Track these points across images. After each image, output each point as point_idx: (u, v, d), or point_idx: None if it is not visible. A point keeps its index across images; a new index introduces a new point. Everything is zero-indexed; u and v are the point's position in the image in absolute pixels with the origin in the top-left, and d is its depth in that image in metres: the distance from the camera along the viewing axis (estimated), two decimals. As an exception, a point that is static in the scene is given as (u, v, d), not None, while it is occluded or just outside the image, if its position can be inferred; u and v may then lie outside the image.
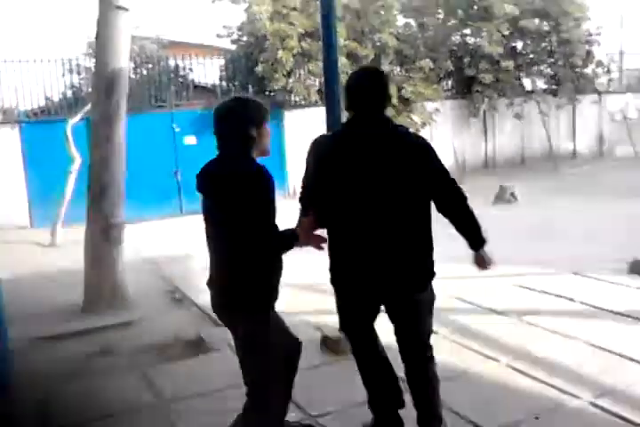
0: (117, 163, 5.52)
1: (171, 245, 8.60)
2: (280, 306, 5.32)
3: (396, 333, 2.93)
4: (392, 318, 2.91)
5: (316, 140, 2.95)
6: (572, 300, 4.84)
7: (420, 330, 2.92)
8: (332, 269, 2.95)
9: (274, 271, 2.72)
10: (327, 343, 4.19)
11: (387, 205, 2.67)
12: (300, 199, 3.09)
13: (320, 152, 2.88)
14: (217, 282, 2.71)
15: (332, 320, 4.28)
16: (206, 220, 2.76)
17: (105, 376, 4.09)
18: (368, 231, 2.71)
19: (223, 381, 3.79)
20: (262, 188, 2.56)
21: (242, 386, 3.72)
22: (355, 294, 2.93)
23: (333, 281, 2.97)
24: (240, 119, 2.64)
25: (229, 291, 2.66)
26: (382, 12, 13.20)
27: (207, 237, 2.74)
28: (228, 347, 4.39)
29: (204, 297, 5.82)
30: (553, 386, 3.41)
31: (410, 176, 2.66)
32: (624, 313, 4.41)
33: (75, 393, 3.88)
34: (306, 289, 5.80)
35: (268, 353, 2.72)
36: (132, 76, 11.55)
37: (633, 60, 18.15)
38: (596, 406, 3.19)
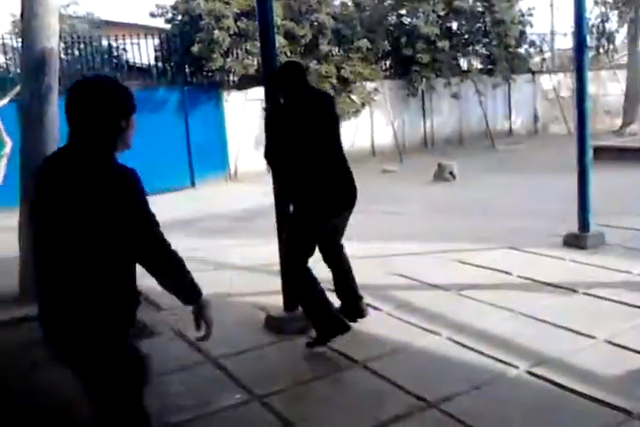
0: (50, 145, 5.35)
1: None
2: (224, 288, 5.33)
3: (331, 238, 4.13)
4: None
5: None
6: (509, 273, 4.97)
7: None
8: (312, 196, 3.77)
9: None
10: (271, 323, 4.19)
11: None
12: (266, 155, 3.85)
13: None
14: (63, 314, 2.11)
15: (276, 301, 4.31)
16: (43, 237, 2.12)
17: (42, 366, 3.99)
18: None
19: (166, 365, 3.76)
20: (137, 190, 2.08)
21: (185, 369, 3.72)
22: (328, 207, 3.83)
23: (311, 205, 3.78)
24: (110, 105, 2.12)
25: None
26: (319, -8, 13.12)
27: (44, 259, 2.13)
28: (170, 331, 4.35)
29: (145, 280, 5.76)
30: (492, 357, 3.50)
31: None
32: (559, 284, 4.56)
33: (10, 383, 3.78)
34: (249, 271, 5.79)
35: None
36: (64, 56, 11.18)
37: (564, 41, 18.62)
38: (533, 374, 3.30)
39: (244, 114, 12.89)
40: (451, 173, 10.88)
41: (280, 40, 12.20)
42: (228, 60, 12.09)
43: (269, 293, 4.63)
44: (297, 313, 4.17)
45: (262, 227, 7.15)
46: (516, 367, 3.38)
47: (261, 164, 13.53)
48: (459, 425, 2.87)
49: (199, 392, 3.43)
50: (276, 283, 4.30)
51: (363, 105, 13.98)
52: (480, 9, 14.99)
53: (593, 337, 3.67)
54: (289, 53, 12.87)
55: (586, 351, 3.52)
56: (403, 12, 14.84)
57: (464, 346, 3.67)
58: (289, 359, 3.75)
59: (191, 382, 3.55)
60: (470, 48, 15.61)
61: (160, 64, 12.59)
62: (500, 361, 3.46)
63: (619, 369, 3.27)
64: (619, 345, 3.55)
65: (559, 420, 2.91)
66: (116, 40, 12.21)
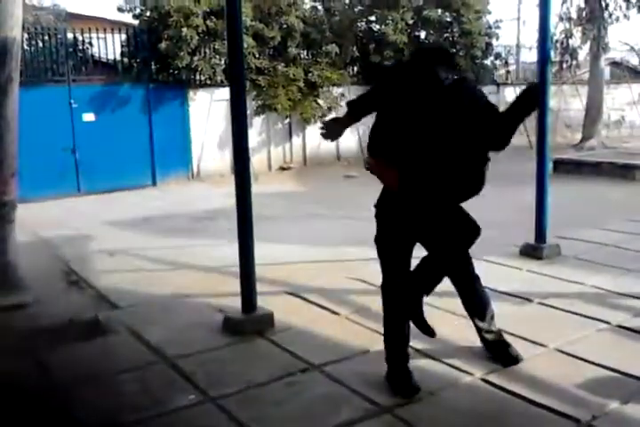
0: (9, 139, 5.23)
1: (67, 225, 8.28)
2: (182, 289, 5.27)
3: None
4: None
5: None
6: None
7: None
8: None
9: None
10: (228, 325, 4.17)
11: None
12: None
13: None
14: None
15: (234, 302, 4.29)
16: None
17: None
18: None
19: (121, 364, 3.71)
20: None
21: (140, 369, 3.67)
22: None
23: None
24: None
25: None
26: (290, -6, 13.13)
27: None
28: (126, 330, 4.29)
29: (101, 279, 5.68)
30: (448, 364, 3.54)
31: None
32: (515, 294, 4.64)
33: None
34: (208, 272, 5.75)
35: None
36: (27, 47, 10.95)
37: (529, 54, 19.00)
38: (487, 381, 3.34)
39: (210, 114, 12.81)
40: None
41: (248, 41, 12.19)
42: (196, 58, 12.00)
43: (228, 294, 4.61)
44: (255, 315, 4.16)
45: (223, 228, 7.12)
46: (471, 374, 3.42)
47: (225, 164, 13.37)
48: (412, 430, 2.89)
49: (153, 392, 3.38)
50: (235, 284, 4.28)
51: (329, 109, 14.03)
52: (448, 19, 15.18)
53: (545, 346, 3.74)
54: (257, 55, 12.86)
55: (538, 360, 3.59)
56: (372, 18, 14.94)
57: (420, 352, 3.70)
58: (245, 361, 3.73)
59: (145, 382, 3.50)
60: (437, 58, 15.76)
61: (126, 60, 12.43)
62: (455, 368, 3.50)
63: (569, 378, 3.33)
64: (569, 354, 3.63)
65: (510, 427, 2.96)
66: (82, 33, 11.99)
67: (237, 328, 4.11)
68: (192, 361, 3.72)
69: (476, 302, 3.61)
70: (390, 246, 3.30)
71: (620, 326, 4.04)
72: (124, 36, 12.41)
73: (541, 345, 3.75)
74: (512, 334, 3.86)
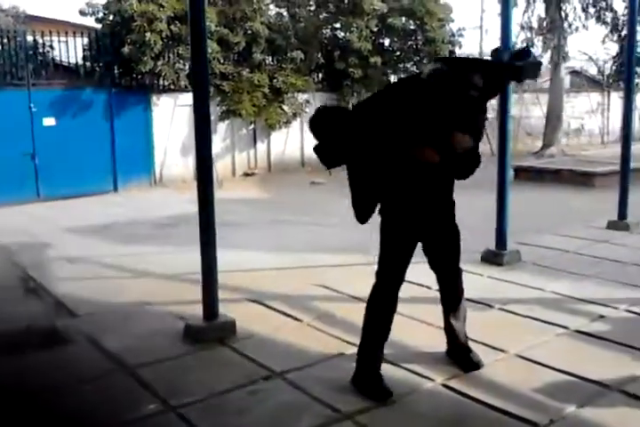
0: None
1: (26, 231, 8.12)
2: (142, 296, 5.21)
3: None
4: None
5: None
6: (429, 288, 5.05)
7: None
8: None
9: None
10: (189, 333, 4.12)
11: None
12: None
13: None
14: None
15: (195, 309, 4.24)
16: None
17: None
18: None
19: (79, 374, 3.64)
20: None
21: (99, 378, 3.60)
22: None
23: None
24: None
25: None
26: (254, 0, 13.12)
27: None
28: (84, 338, 4.21)
29: (60, 286, 5.57)
30: (409, 370, 3.56)
31: None
32: (475, 299, 4.67)
33: None
34: (169, 279, 5.69)
35: None
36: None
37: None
38: (447, 387, 3.36)
39: (174, 119, 12.71)
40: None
41: (213, 46, 12.14)
42: (159, 63, 11.91)
43: (189, 302, 4.56)
44: (216, 322, 4.12)
45: (185, 234, 7.06)
46: (432, 380, 3.44)
47: (188, 170, 13.29)
48: (373, 437, 2.90)
49: (113, 402, 3.33)
50: (196, 292, 4.23)
51: (294, 116, 14.05)
52: (412, 27, 15.33)
53: (505, 351, 3.78)
54: (221, 60, 12.81)
55: (498, 365, 3.62)
56: (337, 25, 15.01)
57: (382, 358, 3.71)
58: (206, 370, 3.69)
59: (104, 392, 3.44)
60: (401, 65, 15.93)
61: (88, 64, 12.26)
62: (417, 374, 3.51)
63: (528, 383, 3.38)
64: (529, 359, 3.67)
65: (470, 432, 2.98)
66: (43, 36, 11.81)
67: (199, 336, 4.07)
68: (152, 370, 3.67)
69: (456, 296, 3.71)
70: (397, 241, 3.40)
71: (578, 331, 4.11)
72: (86, 40, 12.25)
73: (501, 351, 3.79)
74: (473, 340, 3.89)
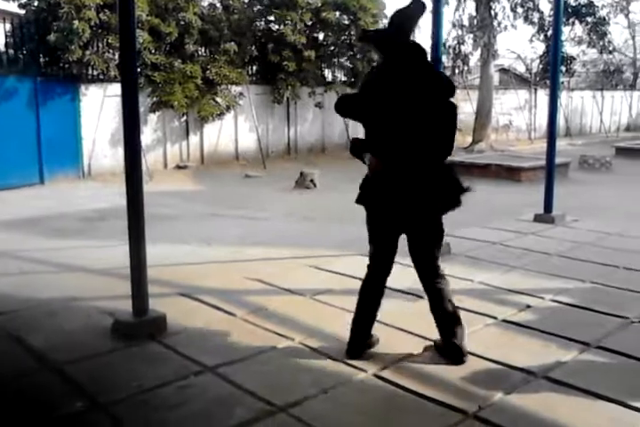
0: None
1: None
2: (69, 291, 5.05)
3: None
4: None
5: None
6: (362, 279, 5.10)
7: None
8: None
9: None
10: (119, 329, 4.02)
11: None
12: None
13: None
14: None
15: (125, 305, 4.14)
16: None
17: None
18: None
19: (2, 372, 3.50)
20: None
21: (23, 376, 3.47)
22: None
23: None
24: None
25: None
26: (187, -10, 12.92)
27: None
28: (7, 336, 4.06)
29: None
30: (342, 361, 3.57)
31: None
32: (406, 291, 4.74)
33: None
34: (97, 274, 5.54)
35: None
36: None
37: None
38: (380, 377, 3.40)
39: (103, 110, 12.39)
40: (312, 180, 11.06)
41: (144, 36, 11.89)
42: (88, 52, 11.57)
43: (118, 297, 4.45)
44: (147, 318, 4.04)
45: (114, 228, 6.89)
46: (365, 371, 3.46)
47: (118, 162, 13.00)
48: (306, 429, 2.90)
49: (39, 401, 3.22)
50: (126, 287, 4.13)
51: (227, 108, 13.92)
52: (346, 22, 15.41)
53: (434, 341, 3.85)
54: (153, 50, 12.56)
55: (428, 354, 3.68)
56: (271, 18, 14.94)
57: (315, 350, 3.72)
58: (136, 366, 3.61)
59: (29, 391, 3.32)
60: (335, 60, 16.00)
61: (11, 51, 11.79)
62: (350, 365, 3.53)
63: (457, 371, 3.45)
64: (459, 349, 3.74)
65: (402, 422, 3.02)
66: (-39, 22, 11.30)
67: (128, 332, 3.97)
68: (79, 367, 3.56)
69: (443, 308, 3.69)
70: (378, 225, 3.73)
71: (506, 321, 4.23)
72: (8, 26, 11.77)
73: (431, 340, 3.85)
74: (404, 330, 3.95)
